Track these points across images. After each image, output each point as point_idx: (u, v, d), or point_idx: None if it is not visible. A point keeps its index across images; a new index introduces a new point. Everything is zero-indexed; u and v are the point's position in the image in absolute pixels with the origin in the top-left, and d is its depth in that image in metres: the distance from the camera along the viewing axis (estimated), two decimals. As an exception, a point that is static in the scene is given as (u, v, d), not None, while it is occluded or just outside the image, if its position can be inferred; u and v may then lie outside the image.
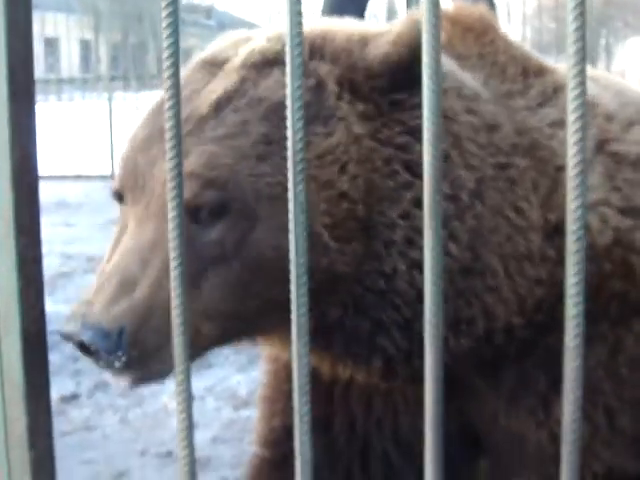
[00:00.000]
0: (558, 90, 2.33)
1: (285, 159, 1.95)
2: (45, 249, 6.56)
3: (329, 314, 2.07)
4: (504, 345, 2.23)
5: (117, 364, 1.88)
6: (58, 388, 4.33)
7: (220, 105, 2.03)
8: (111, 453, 3.62)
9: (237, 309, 2.00)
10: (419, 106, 2.01)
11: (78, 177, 13.94)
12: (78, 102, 23.33)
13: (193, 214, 1.94)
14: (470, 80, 2.24)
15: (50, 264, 7.18)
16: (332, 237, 1.98)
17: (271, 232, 1.96)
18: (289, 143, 1.45)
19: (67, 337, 1.93)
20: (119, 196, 2.11)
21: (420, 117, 1.38)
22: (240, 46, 2.17)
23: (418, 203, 1.97)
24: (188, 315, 1.44)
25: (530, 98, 2.31)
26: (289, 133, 1.43)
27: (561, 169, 2.15)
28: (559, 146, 2.20)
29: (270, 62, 2.09)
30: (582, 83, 1.24)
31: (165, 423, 3.84)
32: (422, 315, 2.06)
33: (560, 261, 1.93)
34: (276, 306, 1.96)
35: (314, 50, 2.11)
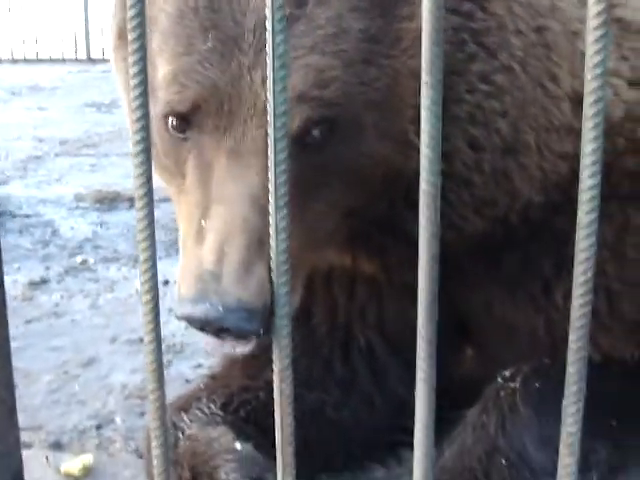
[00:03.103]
0: None
1: (389, 57, 1.79)
2: (17, 133, 6.32)
3: (374, 212, 1.98)
4: (516, 227, 2.13)
5: (257, 337, 1.64)
6: (27, 273, 4.18)
7: None
8: (80, 340, 3.46)
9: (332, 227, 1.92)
10: None
11: (53, 60, 13.59)
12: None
13: (301, 139, 1.73)
14: None
15: (22, 147, 6.98)
16: (415, 132, 1.80)
17: (378, 141, 1.82)
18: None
19: (203, 323, 1.63)
20: (184, 121, 1.78)
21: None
22: None
23: (482, 77, 1.89)
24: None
25: None
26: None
27: (576, 34, 1.99)
28: (571, 8, 2.02)
29: None
30: None
31: (136, 309, 3.67)
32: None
33: None
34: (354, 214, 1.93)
35: None
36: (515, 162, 2.01)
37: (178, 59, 1.77)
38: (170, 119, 1.81)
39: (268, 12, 1.16)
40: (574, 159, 2.04)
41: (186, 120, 1.79)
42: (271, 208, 1.25)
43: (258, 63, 1.70)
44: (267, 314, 1.51)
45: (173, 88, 1.77)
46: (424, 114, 1.19)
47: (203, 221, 1.71)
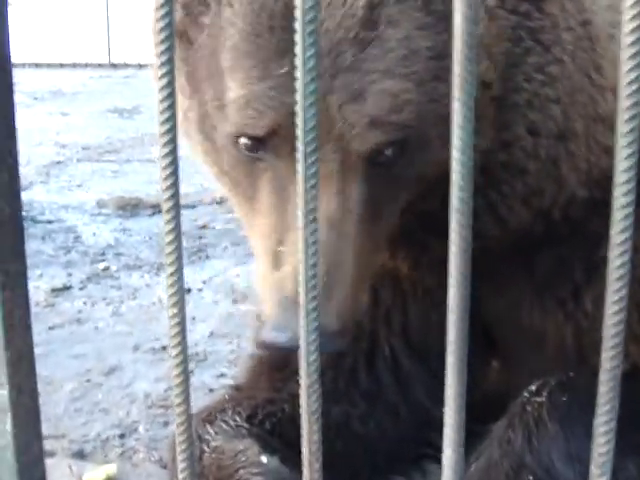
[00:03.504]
0: None
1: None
2: (39, 138, 6.31)
3: (424, 209, 2.00)
4: (556, 223, 2.15)
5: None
6: (49, 279, 4.20)
7: (371, 19, 1.72)
8: (102, 347, 3.47)
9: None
10: None
11: (75, 65, 13.67)
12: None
13: (373, 160, 1.77)
14: None
15: (44, 153, 7.01)
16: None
17: (442, 148, 1.77)
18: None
19: (285, 350, 1.73)
20: (258, 142, 1.78)
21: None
22: None
23: (538, 68, 1.97)
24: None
25: None
26: None
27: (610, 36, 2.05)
28: (602, 12, 2.07)
29: None
30: None
31: (159, 317, 3.69)
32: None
33: None
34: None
35: None
36: (565, 149, 2.05)
37: (253, 84, 1.75)
38: (242, 139, 1.81)
39: (298, 49, 1.15)
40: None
41: (260, 142, 1.78)
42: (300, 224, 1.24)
43: (333, 87, 1.70)
44: (347, 332, 1.74)
45: (246, 112, 1.76)
46: (455, 131, 1.17)
47: (281, 246, 1.75)
